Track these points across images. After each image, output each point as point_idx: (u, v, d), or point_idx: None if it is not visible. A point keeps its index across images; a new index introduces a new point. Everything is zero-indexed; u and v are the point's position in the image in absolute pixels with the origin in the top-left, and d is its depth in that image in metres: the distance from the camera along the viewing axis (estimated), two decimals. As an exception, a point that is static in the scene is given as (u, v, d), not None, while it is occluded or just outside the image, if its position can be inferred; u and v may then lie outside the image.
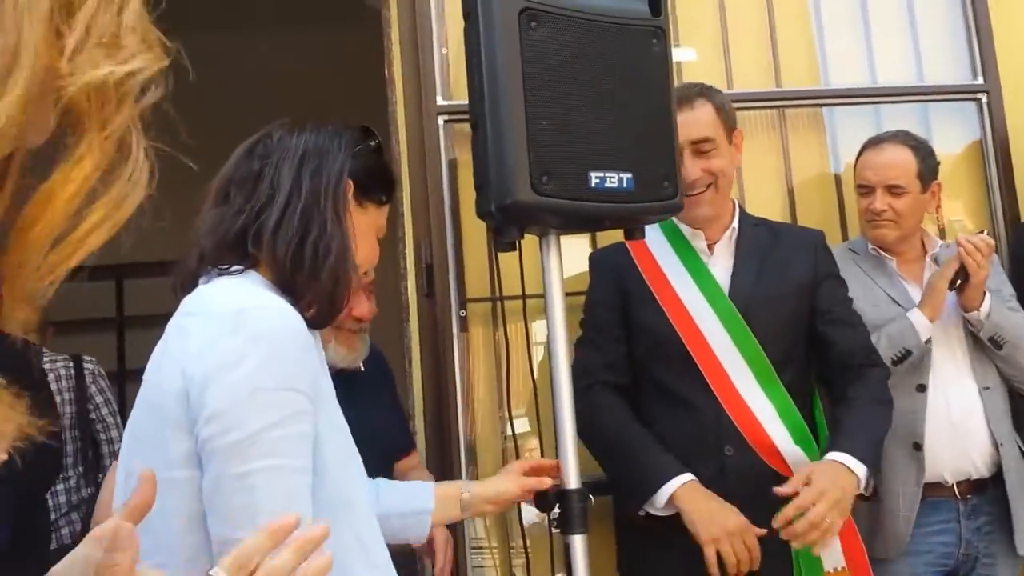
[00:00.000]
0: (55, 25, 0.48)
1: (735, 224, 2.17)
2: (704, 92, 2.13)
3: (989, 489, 2.32)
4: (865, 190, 2.43)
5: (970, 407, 2.34)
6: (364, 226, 1.41)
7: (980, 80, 2.90)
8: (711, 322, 2.07)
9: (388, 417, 2.21)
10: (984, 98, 2.89)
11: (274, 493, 1.08)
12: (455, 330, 2.60)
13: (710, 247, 2.16)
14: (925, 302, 2.32)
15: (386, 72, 2.71)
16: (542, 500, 1.80)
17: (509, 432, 2.59)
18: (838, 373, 2.14)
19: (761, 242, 2.18)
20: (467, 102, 2.59)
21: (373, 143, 1.44)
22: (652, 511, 1.98)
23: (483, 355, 2.67)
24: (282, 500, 1.09)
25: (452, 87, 2.68)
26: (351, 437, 1.31)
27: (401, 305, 2.66)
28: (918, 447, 2.28)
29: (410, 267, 2.65)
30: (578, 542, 1.75)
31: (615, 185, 1.64)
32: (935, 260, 2.46)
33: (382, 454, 2.07)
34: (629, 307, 2.13)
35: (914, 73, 2.94)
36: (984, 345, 2.34)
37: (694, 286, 2.10)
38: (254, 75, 4.86)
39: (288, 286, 1.27)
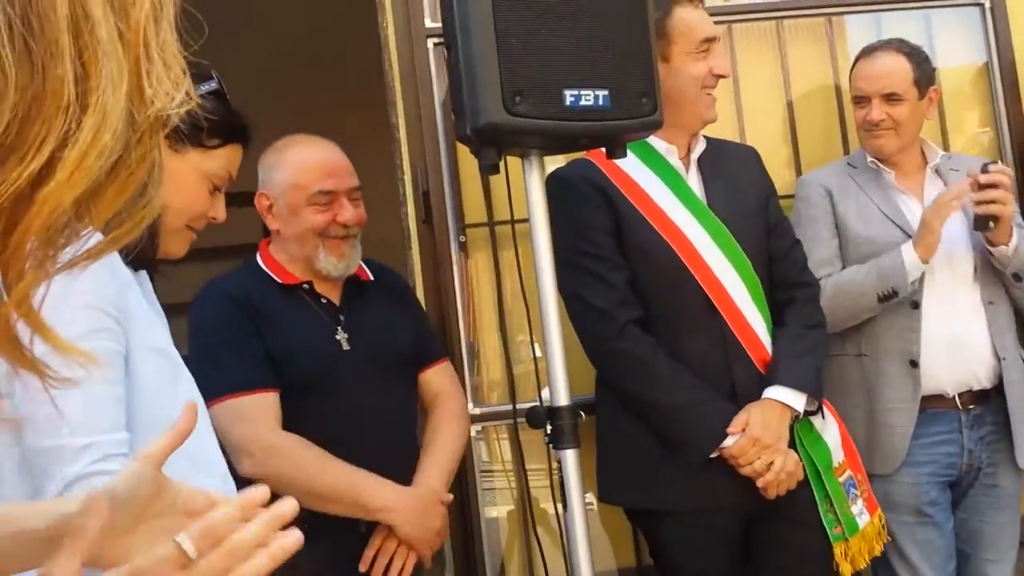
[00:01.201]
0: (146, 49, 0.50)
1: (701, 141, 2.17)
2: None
3: (992, 399, 2.32)
4: (861, 100, 2.39)
5: (970, 321, 2.32)
6: (180, 172, 1.39)
7: (984, -13, 2.81)
8: (704, 240, 2.06)
9: (406, 325, 2.14)
10: (987, 4, 2.80)
11: (78, 403, 1.09)
12: (454, 256, 2.61)
13: (683, 162, 2.15)
14: (919, 241, 2.24)
15: (375, -4, 2.68)
16: (533, 417, 1.85)
17: (515, 354, 2.64)
18: (775, 289, 2.15)
19: (716, 158, 2.18)
20: (457, 25, 2.62)
21: (205, 86, 1.41)
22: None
23: (484, 280, 2.69)
24: (85, 410, 1.11)
25: (439, 8, 2.65)
26: (179, 361, 1.31)
27: (402, 232, 2.67)
28: (915, 364, 2.27)
29: (408, 194, 2.66)
30: (570, 457, 1.80)
31: (591, 103, 1.63)
32: (936, 172, 2.43)
33: (399, 361, 2.08)
34: (622, 230, 2.06)
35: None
36: (992, 265, 2.32)
37: (680, 204, 2.08)
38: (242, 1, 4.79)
39: None
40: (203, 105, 1.39)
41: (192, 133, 1.38)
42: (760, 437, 1.97)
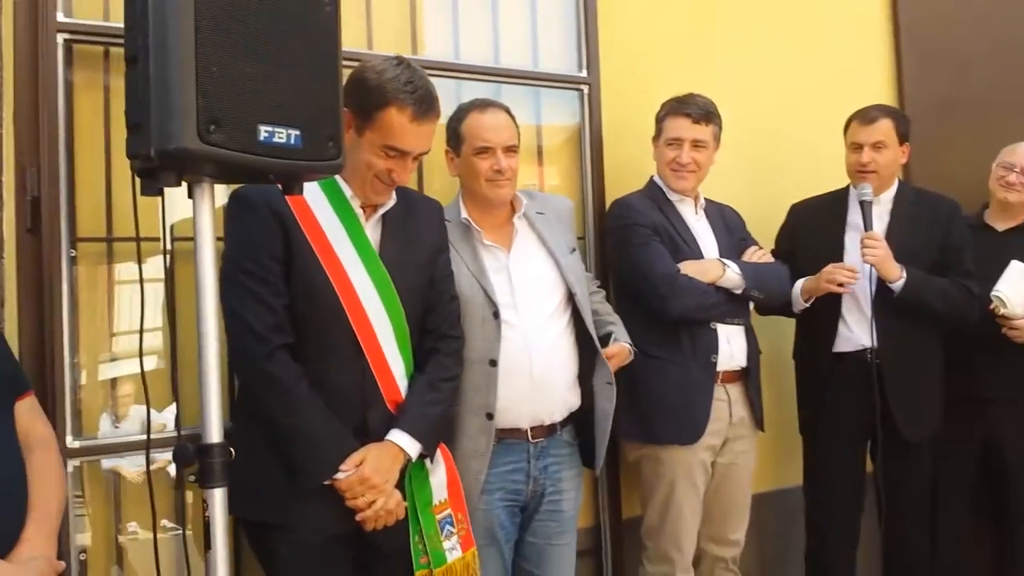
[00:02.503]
0: None
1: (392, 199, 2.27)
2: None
3: (557, 432, 2.60)
4: (484, 152, 2.54)
5: (551, 361, 2.55)
6: None
7: (584, 74, 3.27)
8: (365, 285, 2.16)
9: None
10: (586, 90, 3.27)
11: None
12: (64, 271, 2.38)
13: (365, 211, 2.24)
14: None
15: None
16: (181, 454, 1.75)
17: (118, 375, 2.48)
18: (425, 337, 2.32)
19: (403, 212, 2.30)
20: (91, 22, 2.42)
21: None
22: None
23: (96, 299, 2.48)
24: None
25: (75, 3, 2.42)
26: None
27: (-6, 240, 2.37)
28: (490, 416, 2.48)
29: (7, 199, 2.37)
30: (218, 496, 1.74)
31: (283, 140, 1.63)
32: (525, 215, 2.65)
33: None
34: (292, 260, 2.10)
35: (531, 60, 3.22)
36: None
37: (352, 247, 2.15)
38: None
39: None
40: None
41: None
42: (369, 477, 2.10)
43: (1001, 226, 3.49)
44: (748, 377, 2.99)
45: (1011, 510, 3.40)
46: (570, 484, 2.66)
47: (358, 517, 2.12)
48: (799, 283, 3.15)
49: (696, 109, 2.94)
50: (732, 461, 2.99)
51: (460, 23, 3.07)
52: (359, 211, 2.22)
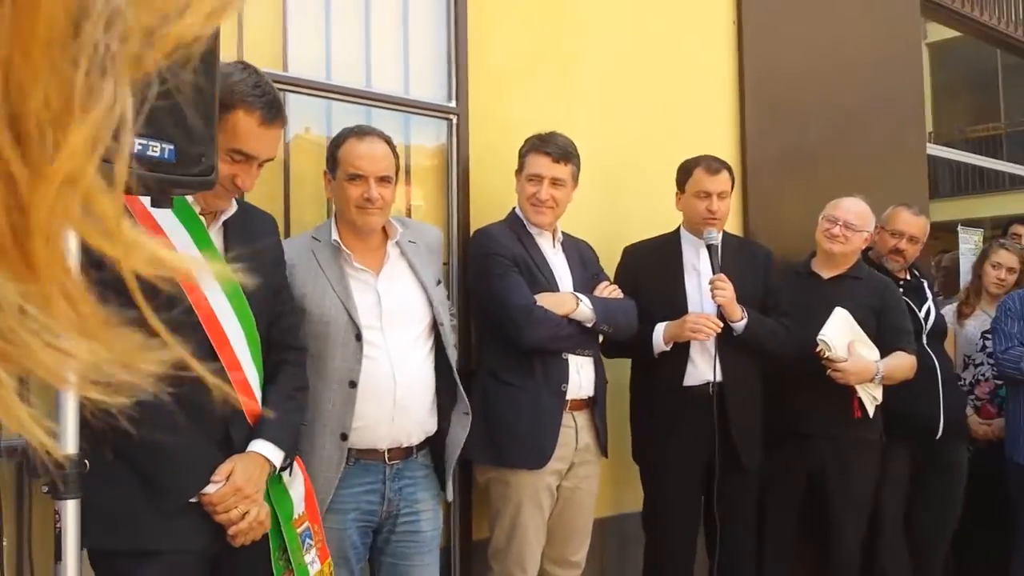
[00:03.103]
0: None
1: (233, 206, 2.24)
2: None
3: (413, 455, 2.66)
4: (356, 178, 2.58)
5: (414, 385, 2.62)
6: None
7: (453, 104, 3.37)
8: (216, 293, 2.11)
9: None
10: (455, 120, 3.36)
11: None
12: None
13: (206, 218, 2.18)
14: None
15: None
16: (33, 466, 1.72)
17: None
18: (271, 349, 2.28)
19: (243, 220, 2.27)
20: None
21: None
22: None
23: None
24: None
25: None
26: None
27: None
28: (345, 437, 2.52)
29: None
30: (71, 507, 1.71)
31: (157, 154, 1.64)
32: (397, 243, 2.71)
33: None
34: None
35: (402, 86, 3.29)
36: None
37: (198, 252, 2.10)
38: None
39: None
40: None
41: None
42: (243, 487, 2.08)
43: (826, 274, 3.78)
44: (595, 405, 3.14)
45: (829, 538, 3.68)
46: (427, 505, 2.71)
47: (231, 531, 2.07)
48: (660, 328, 3.31)
49: (556, 148, 3.07)
50: (576, 485, 3.12)
51: (332, 45, 3.11)
52: (201, 217, 2.17)
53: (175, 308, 1.77)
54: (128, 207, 1.98)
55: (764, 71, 4.45)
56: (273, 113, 2.13)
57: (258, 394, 2.22)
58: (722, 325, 3.26)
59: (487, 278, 3.03)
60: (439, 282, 2.82)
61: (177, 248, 1.99)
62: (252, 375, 2.20)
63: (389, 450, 2.61)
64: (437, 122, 3.37)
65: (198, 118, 1.73)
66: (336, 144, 2.65)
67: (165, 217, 2.09)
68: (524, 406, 2.97)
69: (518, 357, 2.98)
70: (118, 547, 2.05)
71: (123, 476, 2.00)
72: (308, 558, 2.28)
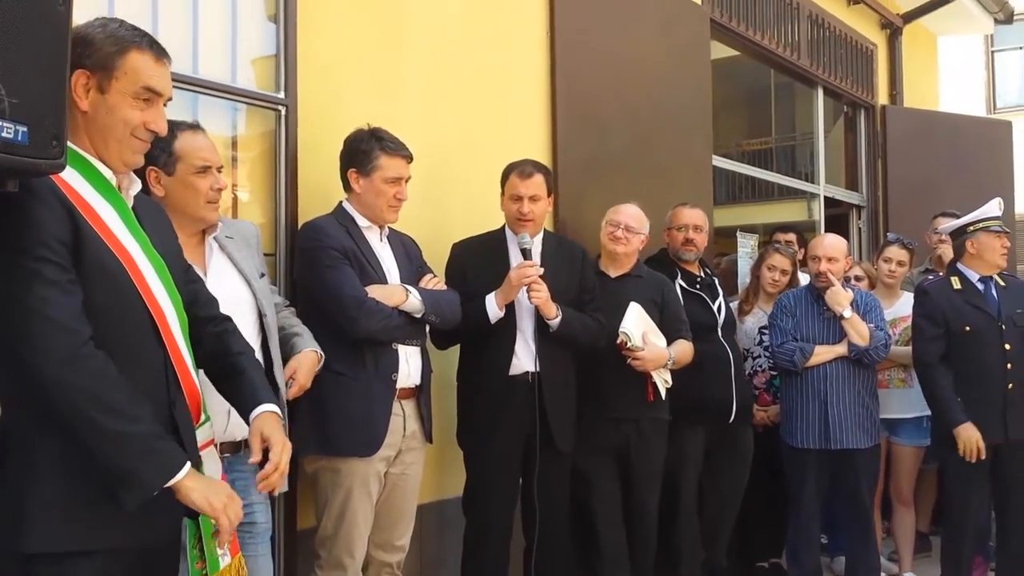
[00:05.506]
0: None
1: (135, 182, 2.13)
2: None
3: (242, 450, 2.67)
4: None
5: None
6: None
7: (282, 95, 3.36)
8: (150, 272, 2.00)
9: None
10: (283, 111, 3.36)
11: None
12: None
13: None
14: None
15: None
16: None
17: None
18: (206, 325, 2.23)
19: (146, 199, 2.19)
20: None
21: None
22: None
23: None
24: None
25: None
26: None
27: None
28: None
29: None
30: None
31: (11, 136, 1.60)
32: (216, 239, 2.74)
33: None
34: (81, 246, 1.87)
35: (230, 74, 3.26)
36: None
37: (128, 232, 1.99)
38: None
39: None
40: None
41: None
42: (284, 440, 2.16)
43: (613, 273, 4.09)
44: (421, 394, 3.25)
45: (632, 508, 4.00)
46: (259, 498, 2.73)
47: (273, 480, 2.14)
48: (490, 297, 3.49)
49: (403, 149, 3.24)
50: (403, 472, 3.22)
51: (159, 29, 3.03)
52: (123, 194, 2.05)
53: (119, 288, 1.69)
54: (58, 184, 1.87)
55: (573, 82, 4.71)
56: (161, 49, 2.04)
57: (195, 378, 2.11)
58: (537, 265, 3.50)
59: (318, 270, 3.06)
60: (263, 275, 2.84)
61: (111, 227, 1.90)
62: (187, 356, 2.09)
63: (220, 444, 2.59)
64: (265, 112, 3.36)
65: (50, 100, 1.70)
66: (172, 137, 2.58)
67: (90, 194, 1.96)
68: (355, 395, 3.04)
69: (348, 348, 3.04)
70: (64, 548, 1.87)
71: (80, 469, 1.86)
72: (220, 551, 2.21)
